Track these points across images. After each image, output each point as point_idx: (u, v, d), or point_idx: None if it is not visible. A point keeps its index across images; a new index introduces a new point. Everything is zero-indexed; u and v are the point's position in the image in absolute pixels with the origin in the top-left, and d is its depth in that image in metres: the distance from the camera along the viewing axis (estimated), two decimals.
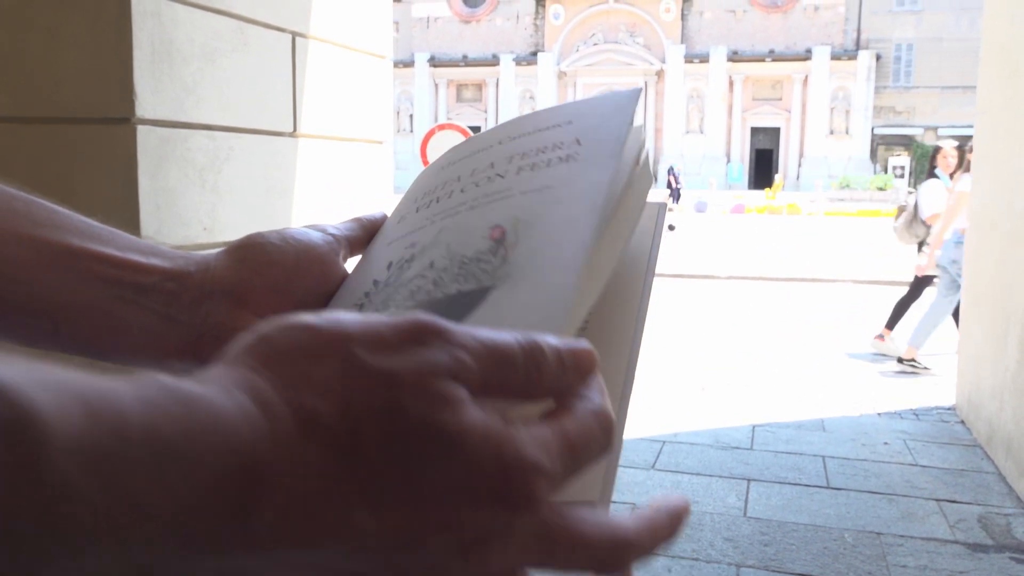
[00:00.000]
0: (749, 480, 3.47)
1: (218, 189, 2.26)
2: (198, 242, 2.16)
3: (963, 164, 5.23)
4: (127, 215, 2.04)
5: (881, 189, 30.68)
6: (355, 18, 4.05)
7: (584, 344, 0.32)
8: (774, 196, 30.00)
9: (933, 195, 5.73)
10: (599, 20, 44.32)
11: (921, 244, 5.99)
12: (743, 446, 3.89)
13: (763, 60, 42.13)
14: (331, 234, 0.46)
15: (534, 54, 45.00)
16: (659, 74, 43.44)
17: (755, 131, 43.28)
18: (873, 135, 41.66)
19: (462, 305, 0.38)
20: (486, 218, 0.43)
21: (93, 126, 2.45)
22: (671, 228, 17.56)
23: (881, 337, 6.08)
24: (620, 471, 3.56)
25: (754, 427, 4.17)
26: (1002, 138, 4.12)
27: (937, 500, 3.28)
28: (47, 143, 2.47)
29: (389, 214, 0.52)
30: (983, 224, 4.42)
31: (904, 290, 6.37)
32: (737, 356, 5.89)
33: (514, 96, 44.92)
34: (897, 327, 6.00)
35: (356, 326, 0.27)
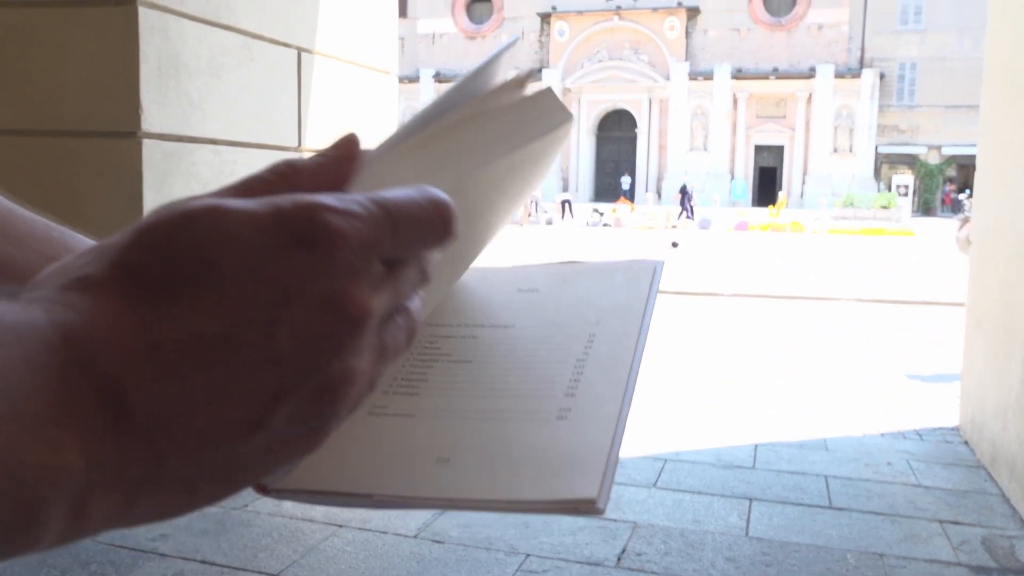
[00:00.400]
0: (751, 499, 3.46)
1: None
2: None
3: None
4: None
5: (885, 207, 30.64)
6: (361, 34, 4.07)
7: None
8: (778, 214, 30.01)
9: None
10: (604, 37, 44.51)
11: None
12: (745, 465, 3.88)
13: (767, 78, 42.26)
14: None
15: (539, 70, 45.17)
16: (663, 91, 43.55)
17: (759, 149, 43.35)
18: (877, 153, 41.71)
19: None
20: None
21: (99, 140, 2.45)
22: (674, 245, 17.58)
23: None
24: (621, 489, 3.55)
25: (756, 446, 4.16)
26: (1005, 157, 4.12)
27: (940, 521, 3.27)
28: (54, 156, 2.48)
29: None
30: (986, 243, 4.42)
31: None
32: (740, 374, 5.88)
33: None
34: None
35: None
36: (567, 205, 29.31)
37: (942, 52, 40.73)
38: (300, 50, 3.16)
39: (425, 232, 0.31)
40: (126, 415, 0.26)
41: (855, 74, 41.31)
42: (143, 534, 2.92)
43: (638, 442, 4.10)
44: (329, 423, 0.30)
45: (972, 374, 4.47)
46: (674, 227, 25.53)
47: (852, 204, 31.34)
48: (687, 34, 43.75)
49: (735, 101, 42.84)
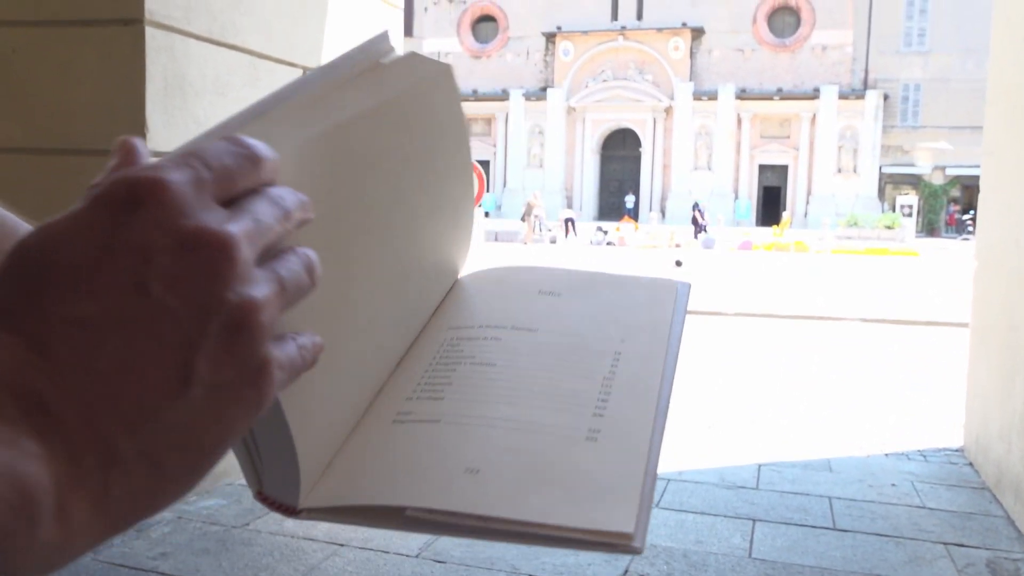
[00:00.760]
0: (754, 520, 3.44)
1: None
2: None
3: None
4: None
5: (889, 228, 30.61)
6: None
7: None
8: (781, 233, 29.99)
9: None
10: (608, 57, 44.71)
11: None
12: (749, 485, 3.86)
13: (771, 98, 42.37)
14: None
15: (543, 90, 45.36)
16: (668, 111, 43.69)
17: (763, 168, 43.41)
18: (881, 174, 41.75)
19: None
20: None
21: (105, 158, 2.47)
22: (678, 264, 17.57)
23: None
24: None
25: (760, 466, 4.14)
26: (1008, 178, 4.12)
27: (945, 544, 3.24)
28: (60, 174, 2.50)
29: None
30: (989, 263, 4.42)
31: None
32: (743, 394, 5.86)
33: (523, 131, 45.23)
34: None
35: None
36: (571, 223, 29.34)
37: (946, 73, 40.83)
38: (305, 69, 3.18)
39: (236, 161, 0.33)
40: (52, 412, 0.27)
41: (859, 95, 41.40)
42: (144, 552, 2.91)
43: None
44: (261, 363, 0.31)
45: (976, 395, 4.46)
46: (678, 245, 25.53)
47: (856, 224, 31.32)
48: (691, 54, 43.92)
49: (739, 121, 42.93)
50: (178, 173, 0.30)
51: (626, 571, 2.86)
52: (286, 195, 0.35)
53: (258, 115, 0.41)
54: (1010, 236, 4.01)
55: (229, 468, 3.48)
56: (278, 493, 0.42)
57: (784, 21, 43.03)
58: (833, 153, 41.71)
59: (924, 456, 4.44)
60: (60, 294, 0.28)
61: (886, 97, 41.63)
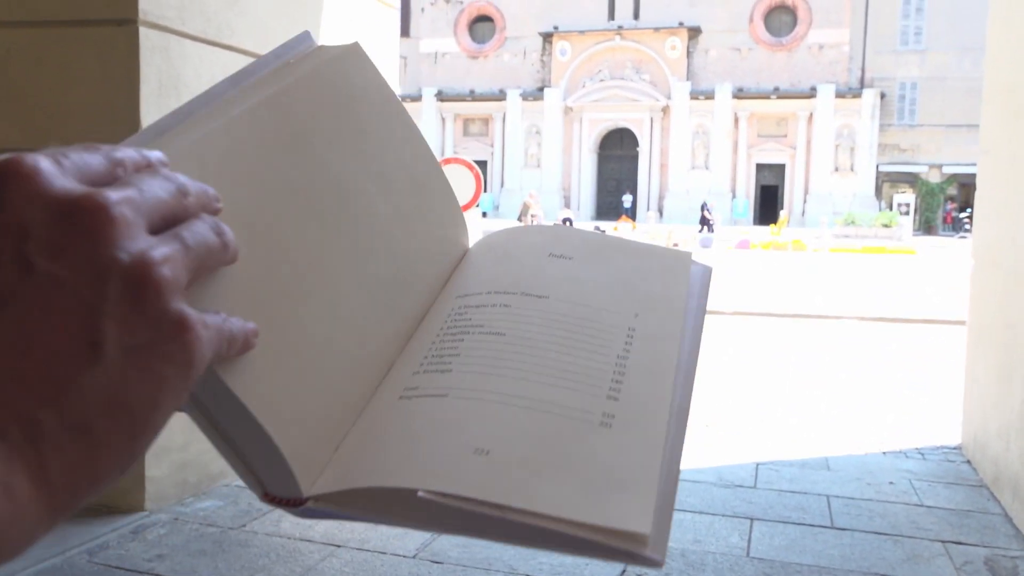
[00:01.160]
0: (752, 519, 3.43)
1: None
2: None
3: None
4: None
5: (886, 226, 30.63)
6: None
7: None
8: (779, 232, 30.00)
9: None
10: (605, 57, 44.70)
11: None
12: (747, 484, 3.86)
13: (768, 97, 42.38)
14: None
15: (540, 89, 45.34)
16: (665, 110, 43.70)
17: (760, 167, 43.41)
18: (878, 172, 41.78)
19: None
20: None
21: None
22: None
23: None
24: None
25: (758, 465, 4.14)
26: (1005, 177, 4.12)
27: (943, 541, 3.24)
28: None
29: None
30: (986, 262, 4.42)
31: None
32: (741, 392, 5.86)
33: (520, 131, 45.21)
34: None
35: None
36: (568, 223, 29.36)
37: (942, 72, 40.86)
38: None
39: (91, 146, 0.33)
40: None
41: (856, 94, 41.42)
42: (140, 554, 2.90)
43: None
44: (177, 318, 0.31)
45: (974, 392, 4.46)
46: (676, 244, 25.53)
47: (853, 223, 31.35)
48: (688, 54, 43.91)
49: (736, 120, 42.94)
50: (37, 155, 0.30)
51: (624, 571, 2.86)
52: (179, 175, 0.35)
53: (158, 132, 0.42)
54: (1007, 234, 4.01)
55: (226, 469, 3.46)
56: (280, 489, 0.42)
57: (781, 20, 43.04)
58: (830, 152, 41.72)
59: (922, 454, 4.44)
60: None
61: (883, 96, 41.65)
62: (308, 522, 3.00)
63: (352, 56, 0.55)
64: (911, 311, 10.50)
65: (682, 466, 0.47)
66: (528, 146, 45.30)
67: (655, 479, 0.38)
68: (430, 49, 46.94)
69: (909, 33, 41.43)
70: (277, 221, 0.45)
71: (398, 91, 4.13)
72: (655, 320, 0.50)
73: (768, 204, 42.71)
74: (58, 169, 0.30)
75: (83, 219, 0.29)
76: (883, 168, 41.91)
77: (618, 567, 2.91)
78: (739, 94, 42.73)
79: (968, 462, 4.30)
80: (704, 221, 29.66)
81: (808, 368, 6.94)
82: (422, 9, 46.84)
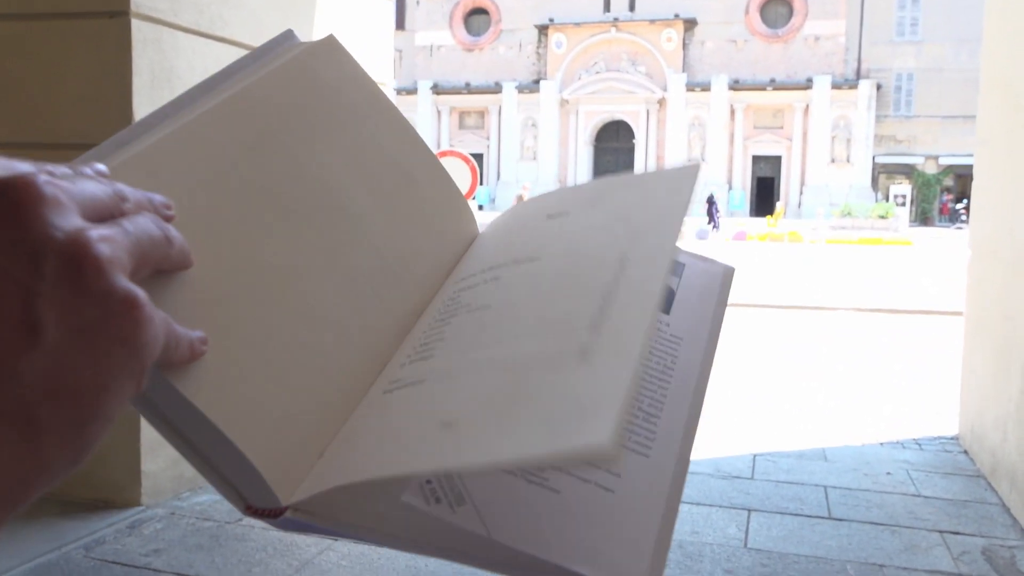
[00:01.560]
0: (750, 510, 3.43)
1: None
2: None
3: None
4: None
5: (883, 217, 30.63)
6: (356, 45, 4.07)
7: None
8: (775, 224, 30.01)
9: None
10: (601, 49, 44.63)
11: None
12: (744, 475, 3.86)
13: (764, 89, 42.35)
14: None
15: (536, 82, 45.27)
16: (661, 102, 43.66)
17: (756, 159, 43.41)
18: (874, 163, 41.79)
19: None
20: None
21: None
22: None
23: None
24: None
25: (755, 456, 4.14)
26: (1002, 168, 4.12)
27: (940, 532, 3.25)
28: None
29: None
30: (984, 253, 4.41)
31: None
32: (738, 384, 5.86)
33: (516, 123, 45.15)
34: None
35: None
36: None
37: (939, 63, 40.84)
38: None
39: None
40: None
41: (852, 85, 41.40)
42: (137, 549, 2.90)
43: None
44: (124, 294, 0.29)
45: (971, 383, 4.46)
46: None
47: (850, 214, 31.35)
48: (684, 45, 43.85)
49: (732, 112, 42.91)
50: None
51: None
52: (118, 183, 0.34)
53: (117, 145, 0.41)
54: (1004, 225, 4.00)
55: None
56: (259, 500, 0.40)
57: (777, 12, 42.98)
58: (826, 143, 41.72)
59: (919, 444, 4.44)
60: None
61: (879, 87, 41.64)
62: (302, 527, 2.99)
63: (326, 49, 0.53)
64: (907, 302, 10.50)
65: (691, 451, 0.46)
66: (524, 139, 45.25)
67: (622, 392, 0.33)
68: (425, 42, 46.84)
69: (905, 24, 41.39)
70: (240, 223, 0.44)
71: (393, 84, 4.10)
72: (650, 240, 0.46)
73: (764, 196, 42.73)
74: None
75: (12, 196, 0.28)
76: (879, 159, 41.91)
77: None
78: (735, 86, 42.69)
79: (965, 452, 4.30)
80: (711, 213, 29.70)
81: (805, 359, 6.95)
82: (417, 2, 46.71)
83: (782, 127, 42.69)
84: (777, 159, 43.01)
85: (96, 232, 0.30)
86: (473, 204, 11.68)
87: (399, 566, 2.81)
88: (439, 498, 0.38)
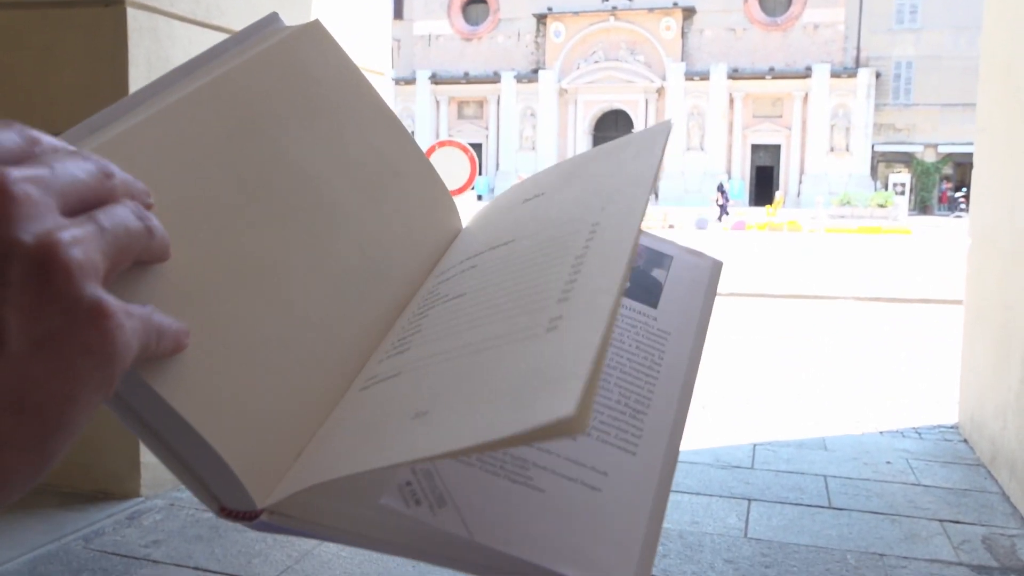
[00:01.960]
0: (750, 500, 3.43)
1: None
2: None
3: None
4: None
5: (882, 206, 30.61)
6: (354, 35, 4.05)
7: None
8: (775, 213, 29.99)
9: None
10: (600, 38, 44.50)
11: None
12: (744, 465, 3.86)
13: (763, 78, 42.26)
14: None
15: (535, 71, 45.15)
16: (660, 91, 43.57)
17: (755, 148, 43.34)
18: (873, 152, 41.73)
19: None
20: None
21: None
22: None
23: None
24: None
25: (755, 446, 4.14)
26: (1002, 156, 4.10)
27: (940, 521, 3.25)
28: None
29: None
30: (984, 242, 4.40)
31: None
32: (737, 374, 5.86)
33: (515, 113, 45.06)
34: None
35: None
36: None
37: (938, 51, 40.74)
38: None
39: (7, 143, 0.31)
40: None
41: (851, 73, 41.31)
42: (136, 540, 2.89)
43: None
44: (92, 303, 0.28)
45: (971, 372, 4.46)
46: (671, 227, 25.53)
47: (849, 203, 31.33)
48: (683, 34, 43.73)
49: (731, 101, 42.82)
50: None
51: None
52: (104, 159, 0.33)
53: (92, 129, 0.40)
54: (1004, 213, 3.99)
55: None
56: (234, 502, 0.39)
57: (775, 0, 42.87)
58: (825, 132, 41.65)
59: (919, 433, 4.44)
60: None
61: (878, 75, 41.54)
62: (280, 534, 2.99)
63: (309, 34, 0.51)
64: (907, 291, 10.50)
65: (679, 447, 0.45)
66: (523, 128, 45.16)
67: (588, 358, 0.32)
68: (424, 31, 46.69)
69: (904, 12, 41.27)
70: (219, 213, 0.42)
71: (391, 74, 4.09)
72: (621, 204, 0.44)
73: (764, 185, 42.68)
74: None
75: None
76: (878, 148, 41.86)
77: None
78: (734, 74, 42.59)
79: (965, 441, 4.30)
80: (719, 204, 29.71)
81: (804, 348, 6.94)
82: None
83: (781, 116, 42.61)
84: (776, 148, 42.94)
85: (68, 234, 0.28)
86: (472, 194, 11.66)
87: (398, 558, 2.81)
88: (419, 500, 0.37)
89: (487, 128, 45.66)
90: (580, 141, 44.65)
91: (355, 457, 0.37)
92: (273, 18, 0.51)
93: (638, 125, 43.66)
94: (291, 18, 0.52)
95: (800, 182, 42.08)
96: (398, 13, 44.81)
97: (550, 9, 44.82)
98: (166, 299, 0.37)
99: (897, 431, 4.46)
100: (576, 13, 44.48)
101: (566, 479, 0.41)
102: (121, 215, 0.32)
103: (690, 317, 0.49)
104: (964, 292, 4.86)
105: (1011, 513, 3.33)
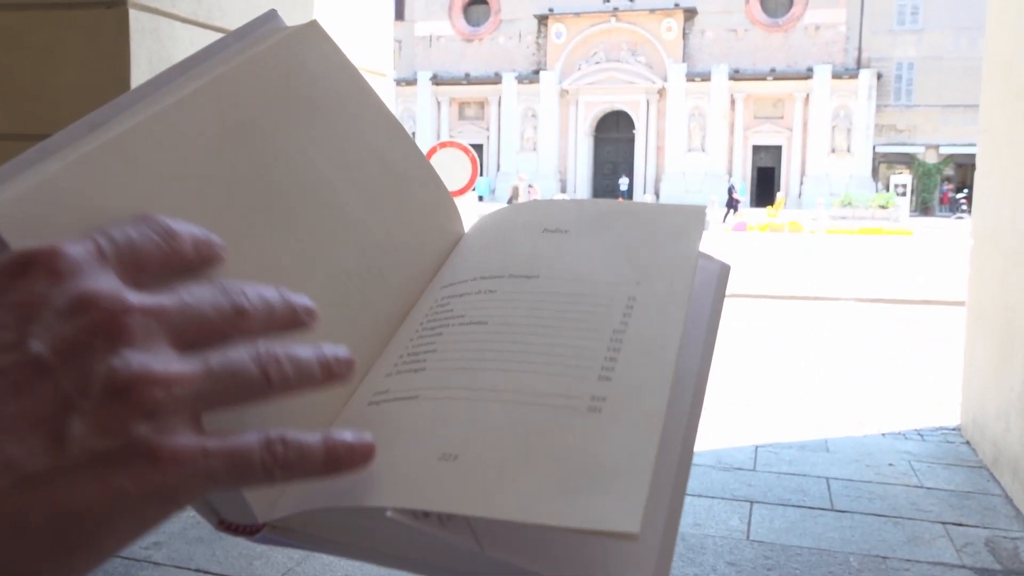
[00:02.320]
0: (752, 502, 3.43)
1: None
2: None
3: None
4: None
5: (883, 207, 30.58)
6: (356, 35, 4.05)
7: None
8: (776, 214, 29.97)
9: None
10: (601, 39, 44.50)
11: None
12: (746, 467, 3.85)
13: (764, 79, 42.25)
14: None
15: (536, 72, 45.14)
16: (661, 92, 43.56)
17: (757, 149, 43.33)
18: (875, 153, 41.71)
19: None
20: None
21: None
22: None
23: None
24: None
25: (757, 447, 4.13)
26: (1004, 156, 4.10)
27: (943, 523, 3.24)
28: None
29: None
30: (986, 243, 4.40)
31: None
32: (739, 375, 5.85)
33: (516, 114, 45.05)
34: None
35: None
36: None
37: (939, 52, 40.72)
38: None
39: (144, 236, 0.32)
40: None
41: (852, 74, 41.29)
42: (136, 543, 2.89)
43: None
44: (146, 434, 0.28)
45: (973, 373, 4.45)
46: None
47: (850, 204, 31.30)
48: (684, 35, 43.72)
49: (732, 102, 42.80)
50: (76, 244, 0.30)
51: None
52: (234, 287, 0.33)
53: (91, 126, 0.39)
54: (1007, 214, 3.99)
55: None
56: (235, 515, 0.38)
57: (777, 1, 42.84)
58: (827, 133, 41.63)
59: (921, 435, 4.43)
60: None
61: (880, 76, 41.52)
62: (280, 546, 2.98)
63: (307, 34, 0.50)
64: (908, 292, 10.49)
65: (693, 453, 0.44)
66: (524, 129, 45.16)
67: (648, 468, 0.33)
68: (425, 32, 46.70)
69: (906, 13, 41.25)
70: (221, 217, 0.41)
71: (392, 75, 4.09)
72: (660, 286, 0.44)
73: (765, 186, 42.66)
74: (96, 258, 0.30)
75: (93, 318, 0.28)
76: (880, 149, 41.84)
77: None
78: (735, 75, 42.58)
79: (967, 443, 4.29)
80: (731, 204, 29.70)
81: (806, 350, 6.94)
82: None
83: (782, 117, 42.60)
84: (777, 149, 42.93)
85: (163, 371, 0.29)
86: (473, 195, 11.65)
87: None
88: (427, 512, 0.36)
89: (488, 129, 45.66)
90: (581, 142, 44.65)
91: (378, 489, 0.36)
92: (271, 15, 0.50)
93: (639, 126, 43.67)
94: (292, 20, 0.51)
95: (801, 183, 42.06)
96: (399, 14, 44.83)
97: (551, 10, 44.82)
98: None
99: (899, 433, 4.45)
100: (577, 14, 44.48)
101: None
102: (236, 360, 0.31)
103: (699, 322, 0.49)
104: (966, 293, 4.85)
105: (1014, 515, 3.32)
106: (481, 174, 38.09)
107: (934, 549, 3.00)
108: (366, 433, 0.34)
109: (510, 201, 26.92)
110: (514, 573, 0.36)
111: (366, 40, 4.08)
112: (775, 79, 42.13)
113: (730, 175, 42.72)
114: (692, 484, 3.60)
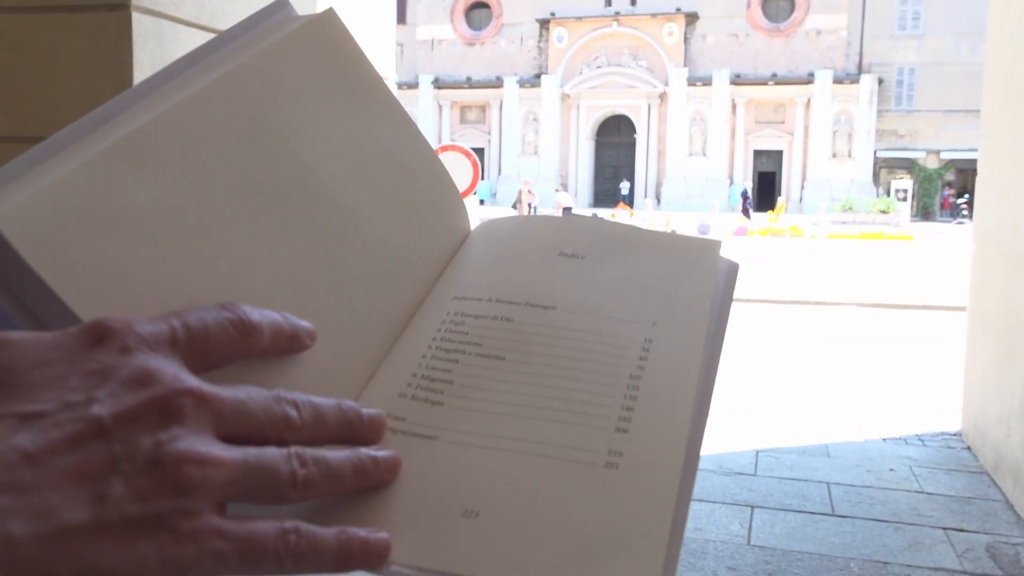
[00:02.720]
0: (753, 507, 3.42)
1: None
2: None
3: None
4: None
5: (884, 212, 30.56)
6: (358, 39, 4.05)
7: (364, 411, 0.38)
8: (777, 219, 29.97)
9: None
10: (602, 43, 44.54)
11: None
12: (747, 472, 3.85)
13: (766, 83, 42.27)
14: None
15: (537, 76, 45.18)
16: (662, 97, 43.60)
17: (758, 154, 43.33)
18: (876, 158, 41.72)
19: None
20: None
21: None
22: None
23: None
24: None
25: (758, 452, 4.12)
26: (1006, 161, 4.10)
27: (944, 528, 3.23)
28: None
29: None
30: (987, 247, 4.39)
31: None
32: (740, 380, 5.84)
33: (517, 118, 45.08)
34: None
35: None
36: (567, 212, 29.28)
37: (940, 57, 40.74)
38: None
39: (219, 325, 0.35)
40: None
41: (853, 79, 41.31)
42: None
43: None
44: (173, 508, 0.30)
45: (974, 378, 4.44)
46: (674, 232, 25.51)
47: (851, 209, 31.29)
48: (686, 40, 43.76)
49: (734, 106, 42.83)
50: (150, 324, 0.33)
51: None
52: (289, 397, 0.35)
53: (98, 122, 0.38)
54: (1008, 219, 3.99)
55: None
56: None
57: (778, 6, 42.88)
58: (828, 138, 41.64)
59: (922, 440, 4.43)
60: (13, 392, 0.30)
61: (881, 81, 41.54)
62: None
63: (323, 25, 0.49)
64: (909, 297, 10.48)
65: (699, 457, 0.44)
66: (525, 133, 45.18)
67: (665, 532, 0.34)
68: (426, 36, 46.75)
69: (907, 18, 41.28)
70: (231, 216, 0.41)
71: (394, 78, 4.09)
72: (675, 328, 0.44)
73: (766, 190, 42.66)
74: (166, 342, 0.33)
75: (153, 393, 0.31)
76: (881, 154, 41.85)
77: None
78: (737, 80, 42.61)
79: (968, 448, 4.29)
80: (745, 209, 29.75)
81: (807, 354, 6.93)
82: None
83: (783, 122, 42.62)
84: (778, 154, 42.94)
85: (204, 454, 0.31)
86: (474, 199, 11.66)
87: None
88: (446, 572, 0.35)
89: (489, 133, 45.68)
90: (582, 146, 44.67)
91: (400, 544, 0.35)
92: (283, 3, 0.49)
93: (640, 130, 43.69)
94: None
95: (802, 188, 42.06)
96: (401, 18, 44.89)
97: (553, 14, 44.88)
98: (166, 307, 0.36)
99: (900, 438, 4.45)
100: (579, 18, 44.53)
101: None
102: (270, 462, 0.33)
103: (699, 322, 0.48)
104: (967, 298, 4.85)
105: (1015, 521, 3.32)
106: (482, 178, 38.08)
107: (935, 554, 2.99)
108: (382, 532, 0.35)
109: (514, 205, 26.92)
110: None
111: (368, 44, 4.08)
112: (776, 84, 42.15)
113: (731, 180, 42.74)
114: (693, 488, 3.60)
